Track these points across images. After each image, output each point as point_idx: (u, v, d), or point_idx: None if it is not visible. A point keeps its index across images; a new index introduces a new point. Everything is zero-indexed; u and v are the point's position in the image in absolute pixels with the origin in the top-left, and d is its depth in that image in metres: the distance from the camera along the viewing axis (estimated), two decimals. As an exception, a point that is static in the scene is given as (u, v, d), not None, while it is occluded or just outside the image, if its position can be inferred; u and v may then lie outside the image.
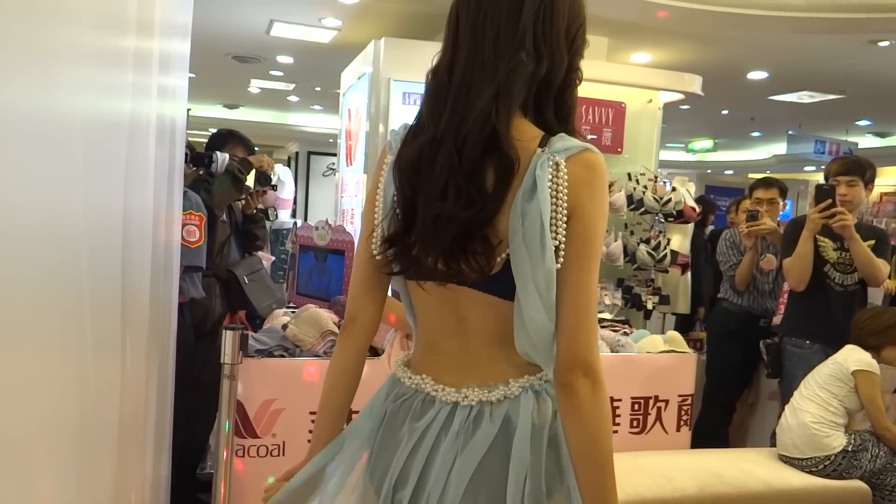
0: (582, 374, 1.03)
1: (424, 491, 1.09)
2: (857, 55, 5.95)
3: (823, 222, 3.05)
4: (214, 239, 2.94)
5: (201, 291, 2.80)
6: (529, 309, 1.04)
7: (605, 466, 1.04)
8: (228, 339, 2.16)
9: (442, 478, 1.08)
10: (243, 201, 3.24)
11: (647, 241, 3.96)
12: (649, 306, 3.99)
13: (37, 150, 0.82)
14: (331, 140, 10.74)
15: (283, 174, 6.05)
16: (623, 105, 4.22)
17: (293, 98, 9.59)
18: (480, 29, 1.08)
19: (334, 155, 6.91)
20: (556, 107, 1.14)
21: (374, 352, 2.39)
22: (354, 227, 4.06)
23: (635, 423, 2.78)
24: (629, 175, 4.01)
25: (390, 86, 4.05)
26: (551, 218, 1.03)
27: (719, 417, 3.73)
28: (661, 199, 3.90)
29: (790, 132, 9.76)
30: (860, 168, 3.16)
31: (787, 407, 2.90)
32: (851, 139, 10.40)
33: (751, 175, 10.05)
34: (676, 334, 3.00)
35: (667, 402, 2.82)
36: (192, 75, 6.21)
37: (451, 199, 1.05)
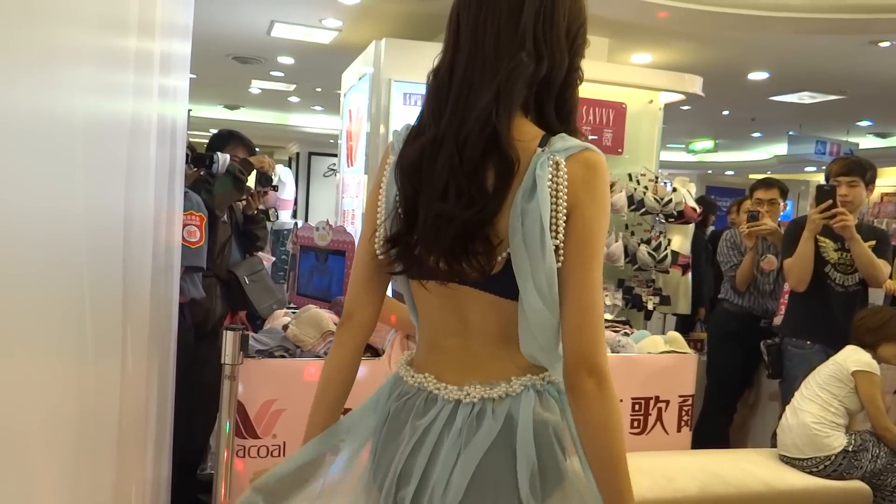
0: (587, 373, 1.03)
1: (427, 488, 1.10)
2: (858, 56, 5.95)
3: (824, 223, 3.05)
4: (215, 239, 2.94)
5: (202, 292, 2.80)
6: (531, 304, 1.04)
7: (618, 465, 1.04)
8: (229, 339, 2.16)
9: (445, 475, 1.08)
10: (244, 202, 3.25)
11: (648, 242, 3.96)
12: (650, 307, 3.99)
13: (38, 150, 0.82)
14: (331, 141, 10.72)
15: (283, 175, 6.05)
16: (624, 106, 4.22)
17: (294, 99, 9.60)
18: (481, 29, 1.08)
19: (335, 156, 6.89)
20: (556, 107, 1.14)
21: (375, 352, 2.39)
22: (355, 228, 4.06)
23: (636, 424, 2.78)
24: (630, 176, 4.01)
25: (391, 86, 4.05)
26: (551, 218, 1.03)
27: (720, 418, 3.73)
28: (662, 199, 3.90)
29: (791, 133, 9.75)
30: (861, 168, 3.16)
31: (787, 407, 2.91)
32: (852, 140, 10.40)
33: (751, 176, 10.07)
34: (677, 335, 3.00)
35: (667, 402, 2.82)
36: (193, 76, 6.21)
37: (451, 199, 1.05)
